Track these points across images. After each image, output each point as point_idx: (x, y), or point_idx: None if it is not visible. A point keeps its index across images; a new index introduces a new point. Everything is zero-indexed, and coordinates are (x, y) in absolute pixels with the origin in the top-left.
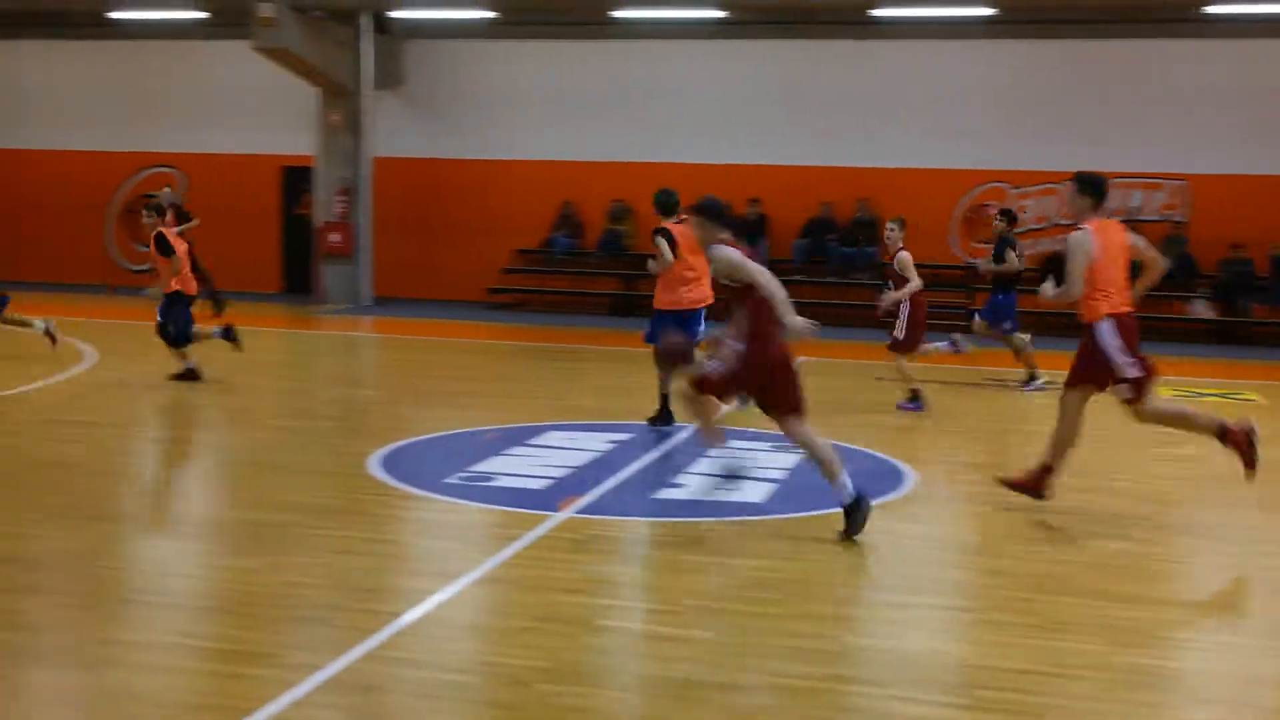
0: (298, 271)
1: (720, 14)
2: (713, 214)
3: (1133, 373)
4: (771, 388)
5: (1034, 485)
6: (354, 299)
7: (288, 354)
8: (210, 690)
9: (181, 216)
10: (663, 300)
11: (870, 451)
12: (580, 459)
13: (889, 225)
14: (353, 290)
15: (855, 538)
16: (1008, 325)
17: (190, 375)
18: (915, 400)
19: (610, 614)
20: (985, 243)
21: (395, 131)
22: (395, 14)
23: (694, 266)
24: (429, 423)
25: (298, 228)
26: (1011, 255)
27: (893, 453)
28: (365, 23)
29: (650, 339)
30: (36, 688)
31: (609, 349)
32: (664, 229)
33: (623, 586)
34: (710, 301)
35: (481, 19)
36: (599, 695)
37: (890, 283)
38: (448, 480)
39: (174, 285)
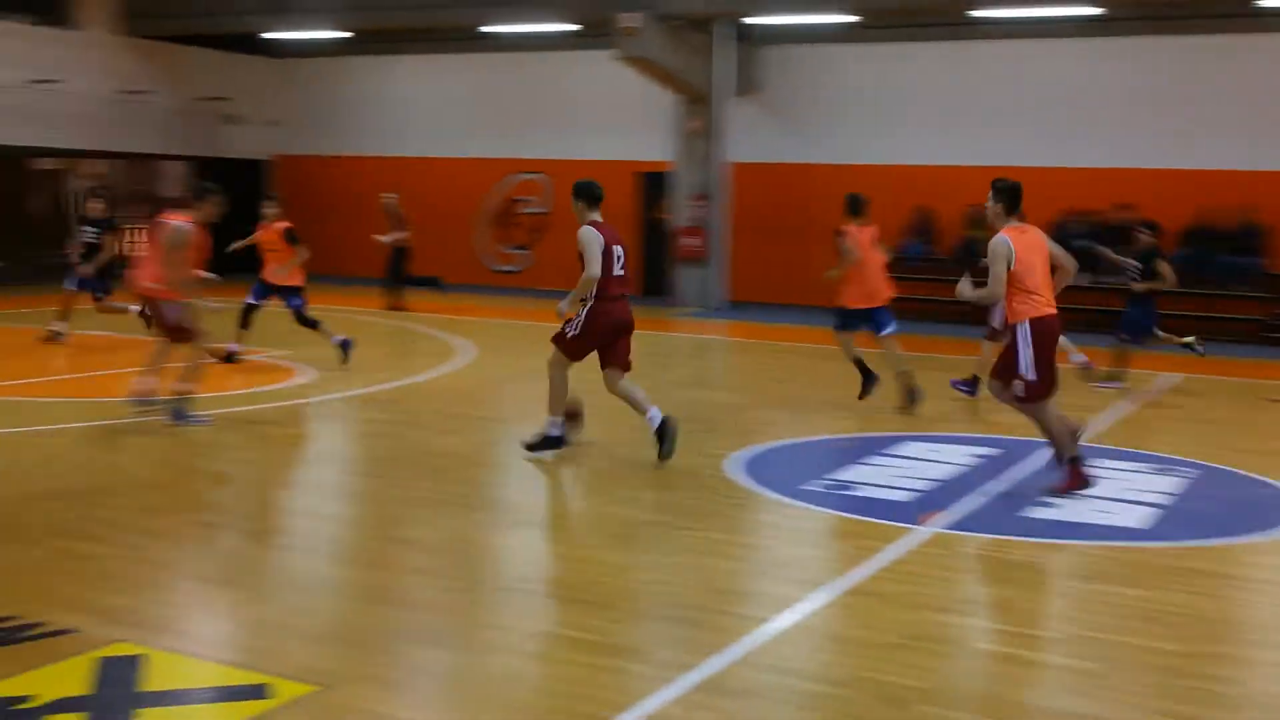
0: (655, 274)
1: (1094, 11)
2: (580, 193)
3: (1029, 377)
4: (613, 345)
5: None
6: (708, 302)
7: (645, 355)
8: (587, 681)
9: (397, 223)
10: (854, 298)
11: (1265, 479)
12: (943, 472)
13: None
14: (707, 293)
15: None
16: (1125, 335)
17: (345, 346)
18: (972, 384)
19: (985, 636)
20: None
21: (751, 136)
22: (753, 20)
23: (871, 264)
24: (784, 427)
25: (655, 232)
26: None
27: None
28: (723, 30)
29: (841, 327)
30: (424, 664)
31: (966, 358)
32: (841, 230)
33: (996, 608)
34: (890, 297)
35: (839, 23)
36: None
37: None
38: (807, 487)
39: (295, 278)
